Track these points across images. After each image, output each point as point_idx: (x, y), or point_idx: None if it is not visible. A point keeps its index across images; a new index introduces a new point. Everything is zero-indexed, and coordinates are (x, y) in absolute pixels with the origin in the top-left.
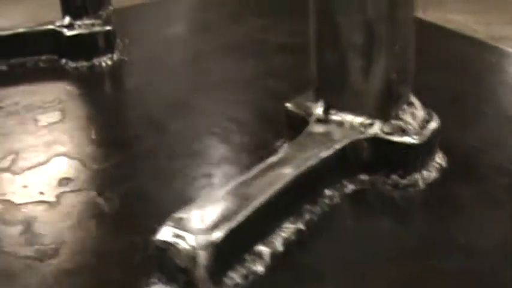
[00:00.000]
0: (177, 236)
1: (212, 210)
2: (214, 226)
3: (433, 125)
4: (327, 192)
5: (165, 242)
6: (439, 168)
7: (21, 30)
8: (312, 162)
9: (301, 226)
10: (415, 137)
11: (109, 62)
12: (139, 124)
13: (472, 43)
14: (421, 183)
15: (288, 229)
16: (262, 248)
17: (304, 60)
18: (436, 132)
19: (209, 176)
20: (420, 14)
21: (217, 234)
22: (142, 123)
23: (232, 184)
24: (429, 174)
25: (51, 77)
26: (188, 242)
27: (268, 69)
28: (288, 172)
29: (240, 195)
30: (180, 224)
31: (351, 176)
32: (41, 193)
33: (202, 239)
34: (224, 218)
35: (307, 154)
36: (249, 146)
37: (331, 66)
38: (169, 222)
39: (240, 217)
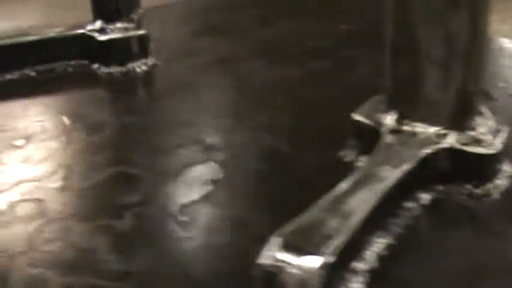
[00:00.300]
0: (285, 259)
1: (313, 229)
2: (322, 247)
3: (504, 134)
4: (406, 204)
5: (273, 266)
6: (509, 177)
7: (50, 35)
8: (397, 175)
9: (390, 240)
10: (489, 147)
11: (144, 67)
12: (180, 131)
13: None
14: (494, 193)
15: (379, 244)
16: (358, 265)
17: (343, 64)
18: (506, 141)
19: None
20: None
21: (328, 256)
22: (184, 130)
23: (326, 201)
24: (501, 183)
25: (83, 83)
26: (299, 264)
27: (309, 73)
28: (379, 187)
29: (338, 213)
30: (285, 246)
31: (427, 187)
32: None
33: (314, 261)
34: (328, 238)
35: (391, 167)
36: (313, 157)
37: (406, 76)
38: (272, 245)
39: (344, 236)
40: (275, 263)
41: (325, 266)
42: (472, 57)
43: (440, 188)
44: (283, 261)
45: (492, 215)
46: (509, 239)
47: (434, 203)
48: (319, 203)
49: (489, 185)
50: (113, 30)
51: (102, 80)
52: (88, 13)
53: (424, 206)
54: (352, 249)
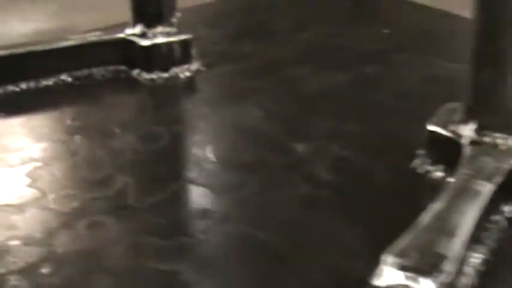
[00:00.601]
0: (403, 280)
1: (425, 249)
2: (439, 266)
3: None
4: (494, 217)
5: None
6: None
7: (89, 39)
8: (491, 188)
9: (485, 255)
10: None
11: (187, 73)
12: (239, 140)
13: None
14: None
15: (476, 259)
16: (461, 281)
17: (392, 69)
18: None
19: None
20: None
21: (446, 275)
22: (240, 139)
23: (428, 218)
24: None
25: (125, 89)
26: (419, 285)
27: (360, 78)
28: (477, 202)
29: (443, 230)
30: (401, 266)
31: (507, 199)
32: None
33: (433, 281)
34: (442, 257)
35: (484, 181)
36: (384, 168)
37: (488, 86)
38: (387, 265)
39: (456, 254)
40: (393, 284)
41: (444, 286)
42: None
43: None
44: (401, 283)
45: None
46: None
47: None
48: (421, 220)
49: None
50: (155, 35)
51: (144, 86)
52: (107, 15)
53: (508, 218)
54: (459, 266)
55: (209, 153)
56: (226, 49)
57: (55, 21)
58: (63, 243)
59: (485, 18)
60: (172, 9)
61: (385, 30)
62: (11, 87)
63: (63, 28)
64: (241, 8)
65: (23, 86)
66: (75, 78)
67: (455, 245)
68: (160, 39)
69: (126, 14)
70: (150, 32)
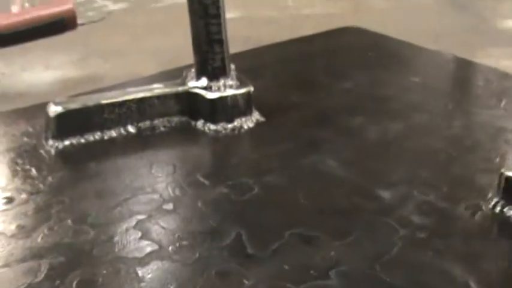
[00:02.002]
0: None
1: None
2: None
3: None
4: None
5: None
6: None
7: (155, 92)
8: None
9: None
10: None
11: (250, 124)
12: (330, 186)
13: None
14: None
15: None
16: None
17: (438, 116)
18: None
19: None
20: None
21: None
22: (332, 184)
23: None
24: None
25: (191, 140)
26: None
27: (415, 127)
28: None
29: None
30: None
31: None
32: None
33: None
34: None
35: None
36: (468, 211)
37: None
38: None
39: None
40: None
41: None
42: None
43: None
44: None
45: None
46: None
47: None
48: None
49: None
50: (219, 88)
51: (211, 137)
52: (125, 63)
53: None
54: None
55: (303, 200)
56: (278, 99)
57: (79, 70)
58: None
59: None
60: (230, 62)
61: (416, 79)
62: (77, 139)
63: (88, 77)
64: (278, 58)
65: (90, 137)
66: (141, 130)
67: None
68: (226, 92)
69: (146, 60)
70: (214, 85)
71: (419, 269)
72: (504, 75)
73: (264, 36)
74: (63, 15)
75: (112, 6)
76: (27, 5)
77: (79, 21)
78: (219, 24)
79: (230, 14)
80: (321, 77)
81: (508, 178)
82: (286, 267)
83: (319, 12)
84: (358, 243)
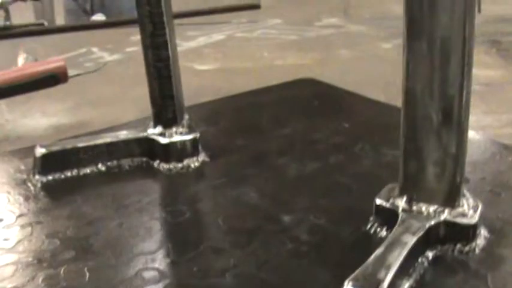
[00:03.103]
0: None
1: (369, 275)
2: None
3: (479, 209)
4: (420, 259)
5: None
6: (485, 237)
7: (119, 137)
8: (415, 239)
9: (411, 284)
10: (471, 218)
11: (196, 164)
12: (245, 212)
13: None
14: (476, 249)
15: (405, 285)
16: None
17: (352, 157)
18: (481, 214)
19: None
20: None
21: None
22: (247, 211)
23: (372, 258)
24: (480, 242)
25: (148, 176)
26: None
27: (330, 166)
28: (403, 248)
29: (381, 265)
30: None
31: (431, 246)
32: None
33: None
34: (379, 281)
35: (411, 235)
36: (348, 230)
37: (414, 172)
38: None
39: (388, 279)
40: None
41: None
42: (463, 157)
43: (440, 247)
44: None
45: (477, 264)
46: (489, 279)
47: (436, 258)
48: (368, 260)
49: (473, 244)
50: (171, 134)
51: (164, 174)
52: (115, 110)
53: (429, 261)
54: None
55: (221, 222)
56: (223, 143)
57: (71, 116)
58: None
59: (408, 124)
60: (183, 113)
61: (345, 125)
62: (58, 175)
63: (79, 123)
64: (232, 108)
65: (68, 173)
66: (109, 168)
67: (389, 275)
68: (176, 138)
69: (129, 108)
70: (167, 132)
71: (295, 272)
72: None
73: (235, 87)
74: (56, 71)
75: (108, 57)
76: (24, 61)
77: (77, 71)
78: (171, 84)
79: (208, 65)
80: (264, 124)
81: (377, 205)
82: (195, 269)
83: (290, 63)
84: (253, 253)
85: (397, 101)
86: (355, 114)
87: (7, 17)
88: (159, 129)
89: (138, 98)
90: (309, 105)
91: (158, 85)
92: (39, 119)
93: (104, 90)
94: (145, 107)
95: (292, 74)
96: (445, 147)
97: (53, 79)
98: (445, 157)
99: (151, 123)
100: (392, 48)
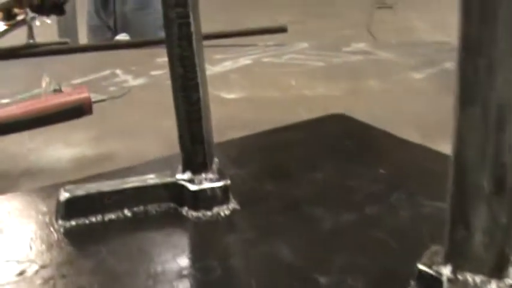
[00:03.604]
0: None
1: None
2: None
3: None
4: None
5: None
6: None
7: (148, 182)
8: None
9: None
10: None
11: (227, 212)
12: (277, 270)
13: None
14: None
15: None
16: None
17: (390, 209)
18: None
19: None
20: None
21: None
22: (279, 268)
23: None
24: None
25: (175, 224)
26: None
27: (365, 219)
28: None
29: None
30: None
31: None
32: None
33: None
34: None
35: None
36: None
37: (461, 240)
38: None
39: None
40: None
41: None
42: (510, 228)
43: None
44: None
45: None
46: None
47: None
48: None
49: None
50: (200, 181)
51: (193, 222)
52: (139, 143)
53: None
54: None
55: (254, 283)
56: (253, 188)
57: (95, 148)
58: None
59: (456, 191)
60: (213, 157)
61: (382, 171)
62: (82, 220)
63: (103, 155)
64: (261, 147)
65: (92, 219)
66: (135, 213)
67: None
68: (206, 185)
69: (155, 140)
70: (197, 178)
71: None
72: None
73: (263, 119)
74: (80, 102)
75: (132, 82)
76: (47, 85)
77: (100, 97)
78: (201, 128)
79: (235, 94)
80: (295, 166)
81: (419, 271)
82: None
83: (319, 94)
84: None
85: (432, 141)
86: (390, 157)
87: (30, 34)
88: (188, 174)
89: (163, 129)
90: (341, 145)
91: (188, 129)
92: (62, 149)
93: (128, 119)
94: (171, 140)
95: (321, 106)
96: (495, 216)
97: (77, 111)
98: (494, 226)
99: (180, 167)
100: (424, 78)
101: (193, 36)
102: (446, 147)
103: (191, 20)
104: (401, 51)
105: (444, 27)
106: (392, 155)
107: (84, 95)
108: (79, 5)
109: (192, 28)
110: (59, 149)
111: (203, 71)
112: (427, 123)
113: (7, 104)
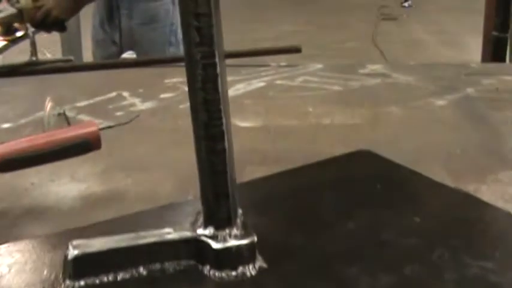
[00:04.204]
0: None
1: None
2: None
3: None
4: None
5: None
6: None
7: (165, 237)
8: None
9: None
10: None
11: (253, 272)
12: None
13: None
14: None
15: None
16: None
17: (430, 269)
18: None
19: None
20: None
21: None
22: None
23: None
24: None
25: (197, 284)
26: None
27: (405, 281)
28: None
29: None
30: None
31: None
32: None
33: None
34: None
35: None
36: None
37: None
38: None
39: None
40: None
41: None
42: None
43: None
44: None
45: None
46: None
47: None
48: None
49: None
50: (224, 238)
51: (216, 283)
52: (149, 178)
53: None
54: None
55: None
56: (282, 241)
57: (102, 184)
58: None
59: None
60: (237, 212)
61: (417, 219)
62: (92, 280)
63: (111, 192)
64: (287, 188)
65: (104, 278)
66: (151, 272)
67: None
68: (230, 242)
69: (167, 176)
70: (220, 234)
71: None
72: (506, 216)
73: (282, 151)
74: (88, 137)
75: (140, 106)
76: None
77: (107, 123)
78: (226, 180)
79: (250, 123)
80: (325, 214)
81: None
82: None
83: (339, 123)
84: None
85: (465, 181)
86: (424, 203)
87: (33, 51)
88: (210, 230)
89: (175, 161)
90: (371, 188)
91: (211, 181)
92: (68, 184)
93: (137, 150)
94: (184, 175)
95: (342, 137)
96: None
97: (84, 146)
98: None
99: (200, 219)
100: (447, 106)
101: (219, 79)
102: (480, 190)
103: (217, 60)
104: (419, 74)
105: (450, 41)
106: (426, 200)
107: (92, 128)
108: (84, 19)
109: (218, 69)
110: (64, 184)
111: (229, 117)
112: (457, 160)
113: (8, 130)
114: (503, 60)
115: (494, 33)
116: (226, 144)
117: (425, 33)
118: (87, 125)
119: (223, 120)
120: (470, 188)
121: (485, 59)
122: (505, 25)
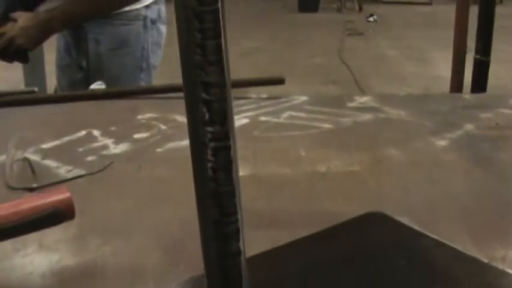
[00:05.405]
0: None
1: None
2: None
3: None
4: None
5: None
6: None
7: None
8: None
9: None
10: None
11: None
12: None
13: None
14: None
15: None
16: None
17: None
18: None
19: None
20: None
21: None
22: None
23: None
24: None
25: None
26: None
27: None
28: None
29: None
30: None
31: None
32: None
33: None
34: None
35: None
36: None
37: None
38: None
39: None
40: None
41: None
42: None
43: None
44: None
45: None
46: None
47: None
48: None
49: None
50: None
51: None
52: (139, 244)
53: None
54: None
55: None
56: None
57: (76, 255)
58: None
59: None
60: None
61: None
62: None
63: (87, 266)
64: (295, 266)
65: None
66: None
67: None
68: None
69: (150, 244)
70: None
71: None
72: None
73: (279, 210)
74: (59, 205)
75: (113, 149)
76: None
77: (77, 171)
78: (241, 286)
79: (240, 171)
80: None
81: None
82: None
83: (336, 170)
84: None
85: (488, 245)
86: (446, 274)
87: None
88: None
89: (158, 222)
90: (393, 265)
91: None
92: (36, 254)
93: (113, 207)
94: (171, 241)
95: (342, 189)
96: None
97: (56, 217)
98: None
99: None
100: (449, 147)
101: (233, 165)
102: (509, 257)
103: (231, 142)
104: (410, 107)
105: (417, 56)
106: (447, 270)
107: (64, 195)
108: (47, 44)
109: (232, 153)
110: (31, 254)
111: (242, 209)
112: (474, 216)
113: None
114: (485, 82)
115: (477, 56)
116: (241, 245)
117: (391, 49)
118: (58, 191)
119: (239, 216)
120: (497, 255)
121: (455, 78)
122: (487, 49)
